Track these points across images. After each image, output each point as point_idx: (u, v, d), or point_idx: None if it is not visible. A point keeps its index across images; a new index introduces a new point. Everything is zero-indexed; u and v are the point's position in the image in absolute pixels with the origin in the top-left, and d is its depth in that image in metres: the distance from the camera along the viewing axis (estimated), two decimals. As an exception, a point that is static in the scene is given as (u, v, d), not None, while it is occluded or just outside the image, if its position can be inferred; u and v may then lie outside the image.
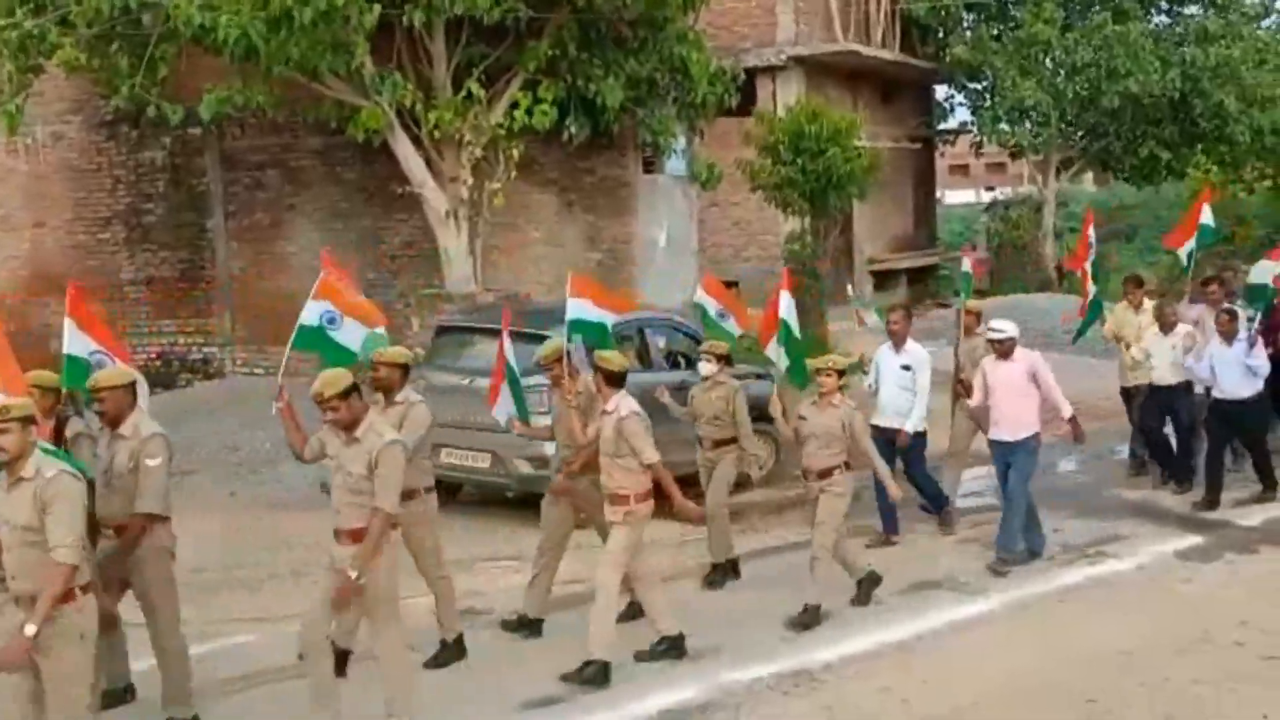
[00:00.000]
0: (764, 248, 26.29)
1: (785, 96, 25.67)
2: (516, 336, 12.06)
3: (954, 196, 57.58)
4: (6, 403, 6.60)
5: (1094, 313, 14.57)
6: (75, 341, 8.68)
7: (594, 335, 10.13)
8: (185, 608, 10.11)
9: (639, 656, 9.03)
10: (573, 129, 16.39)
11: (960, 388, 12.39)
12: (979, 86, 31.00)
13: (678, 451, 10.91)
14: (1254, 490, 13.26)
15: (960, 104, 33.38)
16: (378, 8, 13.85)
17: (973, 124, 32.17)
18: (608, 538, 9.03)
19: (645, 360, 13.83)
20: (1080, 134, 30.43)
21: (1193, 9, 31.30)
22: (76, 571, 6.47)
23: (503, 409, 10.12)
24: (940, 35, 31.53)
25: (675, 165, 18.73)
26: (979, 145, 33.19)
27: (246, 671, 9.00)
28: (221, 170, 18.57)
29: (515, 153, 16.10)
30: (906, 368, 12.03)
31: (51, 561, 6.37)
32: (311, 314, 8.91)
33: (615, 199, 18.05)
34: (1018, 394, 11.20)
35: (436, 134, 15.70)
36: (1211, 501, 12.87)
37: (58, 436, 8.04)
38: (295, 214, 18.32)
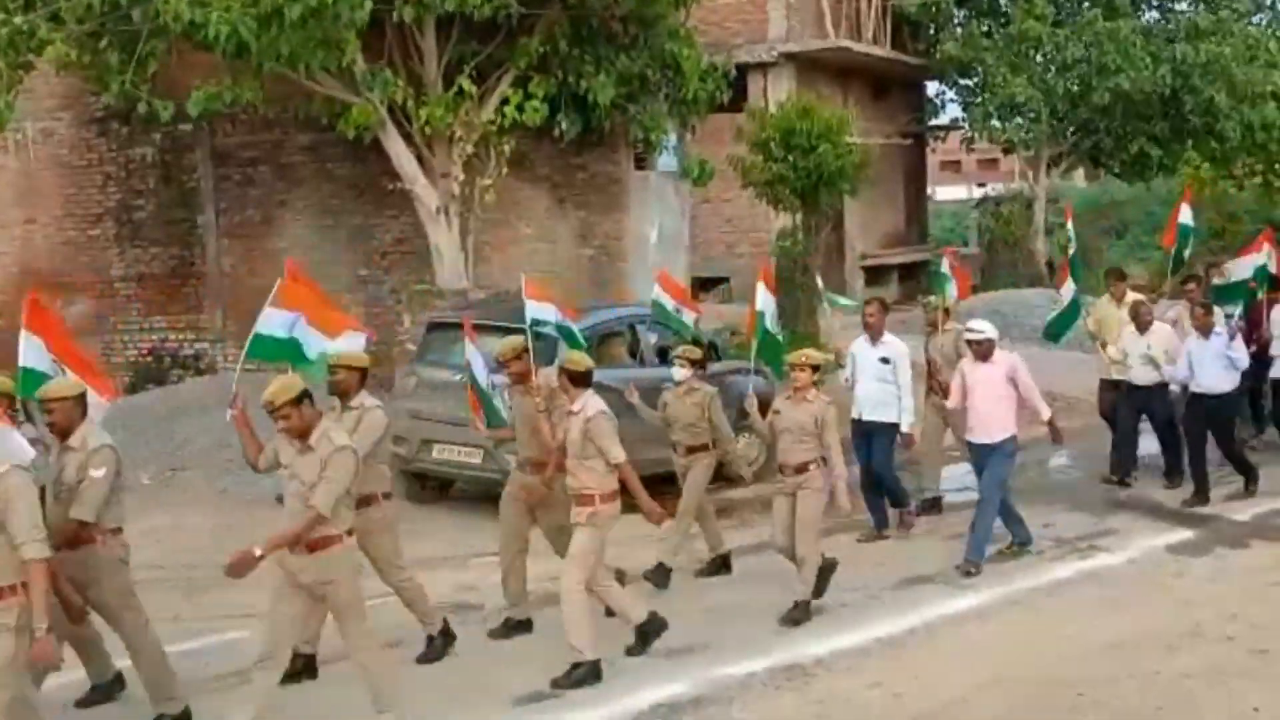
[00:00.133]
0: (755, 244, 26.29)
1: (776, 93, 25.69)
2: (507, 332, 12.07)
3: (945, 193, 57.52)
4: None
5: (1074, 314, 14.35)
6: (31, 353, 8.57)
7: (563, 334, 10.13)
8: (178, 603, 10.16)
9: (630, 651, 9.02)
10: (564, 125, 16.38)
11: (936, 385, 12.32)
12: (970, 83, 30.97)
13: (645, 448, 10.90)
14: (1238, 487, 13.31)
15: (951, 100, 33.37)
16: (369, 4, 13.81)
17: (964, 120, 32.15)
18: (570, 541, 8.95)
19: (637, 356, 13.85)
20: (1071, 130, 30.44)
21: (1183, 5, 31.32)
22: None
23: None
24: (931, 32, 31.50)
25: (667, 162, 18.72)
26: (970, 141, 33.19)
27: (240, 667, 8.96)
28: (212, 167, 18.53)
29: (506, 149, 16.09)
30: (885, 360, 11.97)
31: (15, 558, 6.42)
32: (274, 323, 8.73)
33: (607, 195, 18.04)
34: (995, 396, 11.06)
35: (428, 130, 15.68)
36: (1200, 498, 12.89)
37: None
38: (286, 210, 18.29)
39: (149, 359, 18.75)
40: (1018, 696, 8.43)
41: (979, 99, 30.36)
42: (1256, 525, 12.34)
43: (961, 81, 31.26)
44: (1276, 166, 32.24)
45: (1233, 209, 33.40)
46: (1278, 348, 13.96)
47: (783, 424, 9.98)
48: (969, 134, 32.23)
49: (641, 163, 18.36)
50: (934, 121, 34.77)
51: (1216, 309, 13.35)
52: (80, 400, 7.94)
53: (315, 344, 8.87)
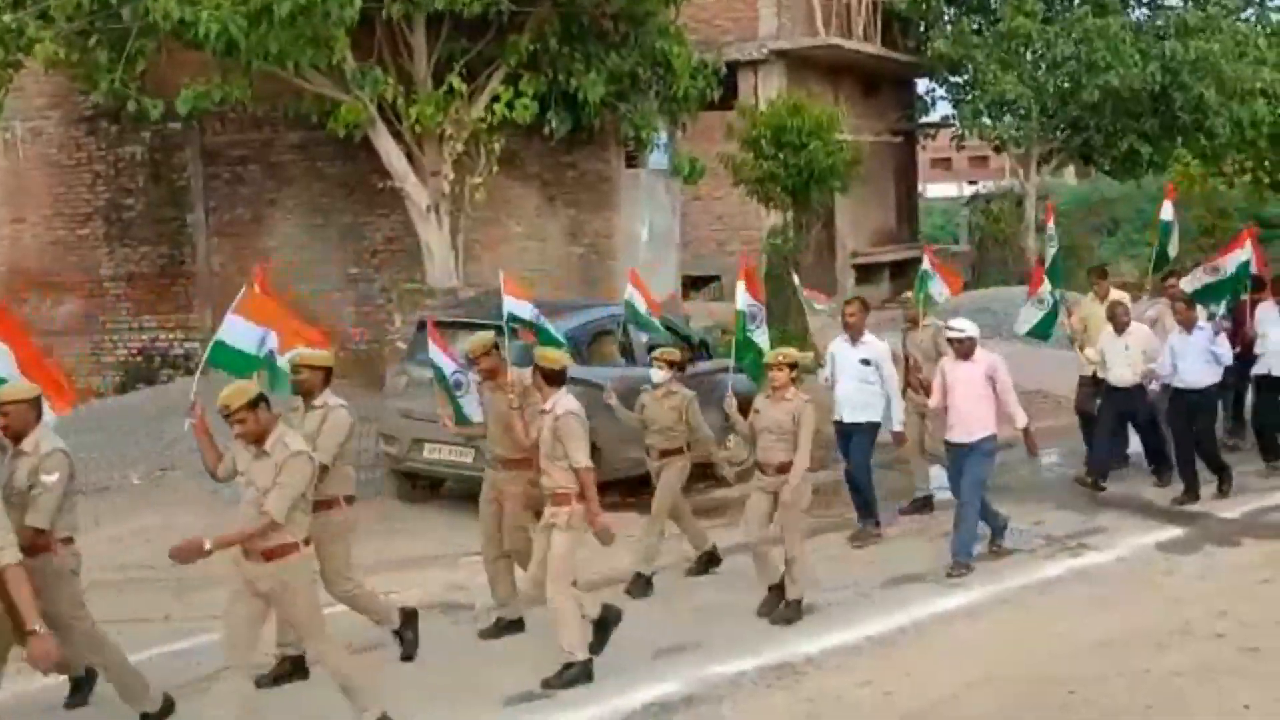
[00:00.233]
0: (746, 242, 26.24)
1: (767, 90, 25.70)
2: (499, 331, 12.05)
3: (936, 190, 57.66)
4: None
5: (1054, 315, 14.10)
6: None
7: (539, 332, 10.11)
8: (169, 603, 10.13)
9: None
10: (554, 123, 16.36)
11: (917, 382, 12.22)
12: (960, 80, 30.99)
13: (627, 448, 10.95)
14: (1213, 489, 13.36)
15: (942, 98, 33.39)
16: (358, 1, 13.79)
17: (954, 118, 32.19)
18: (523, 540, 8.94)
19: (629, 354, 13.83)
20: (1061, 127, 30.47)
21: (1173, 2, 31.36)
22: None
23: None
24: (921, 29, 31.53)
25: (657, 159, 18.72)
26: (960, 139, 33.23)
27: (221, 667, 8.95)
28: (202, 165, 18.50)
29: (497, 147, 16.08)
30: (866, 362, 11.85)
31: None
32: (235, 334, 8.60)
33: (597, 193, 18.03)
34: (976, 395, 10.97)
35: (418, 129, 15.66)
36: (1190, 496, 12.88)
37: None
38: (276, 209, 18.27)
39: (139, 358, 18.72)
40: (1008, 694, 8.43)
41: (969, 96, 30.39)
42: (1246, 523, 12.35)
43: (952, 79, 31.29)
44: (1266, 163, 32.29)
45: (1223, 206, 33.46)
46: (1262, 346, 13.88)
47: (762, 423, 9.92)
48: (959, 131, 32.27)
49: (632, 161, 18.35)
50: (924, 119, 34.80)
51: (1200, 310, 13.34)
52: (35, 404, 7.84)
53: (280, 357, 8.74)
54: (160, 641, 8.93)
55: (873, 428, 12.00)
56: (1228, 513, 12.63)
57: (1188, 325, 12.84)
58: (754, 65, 26.38)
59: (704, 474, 11.33)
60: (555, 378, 8.85)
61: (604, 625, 8.96)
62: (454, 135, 15.82)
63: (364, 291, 17.79)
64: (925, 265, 13.98)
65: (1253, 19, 31.81)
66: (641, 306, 12.13)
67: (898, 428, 12.12)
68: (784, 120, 21.41)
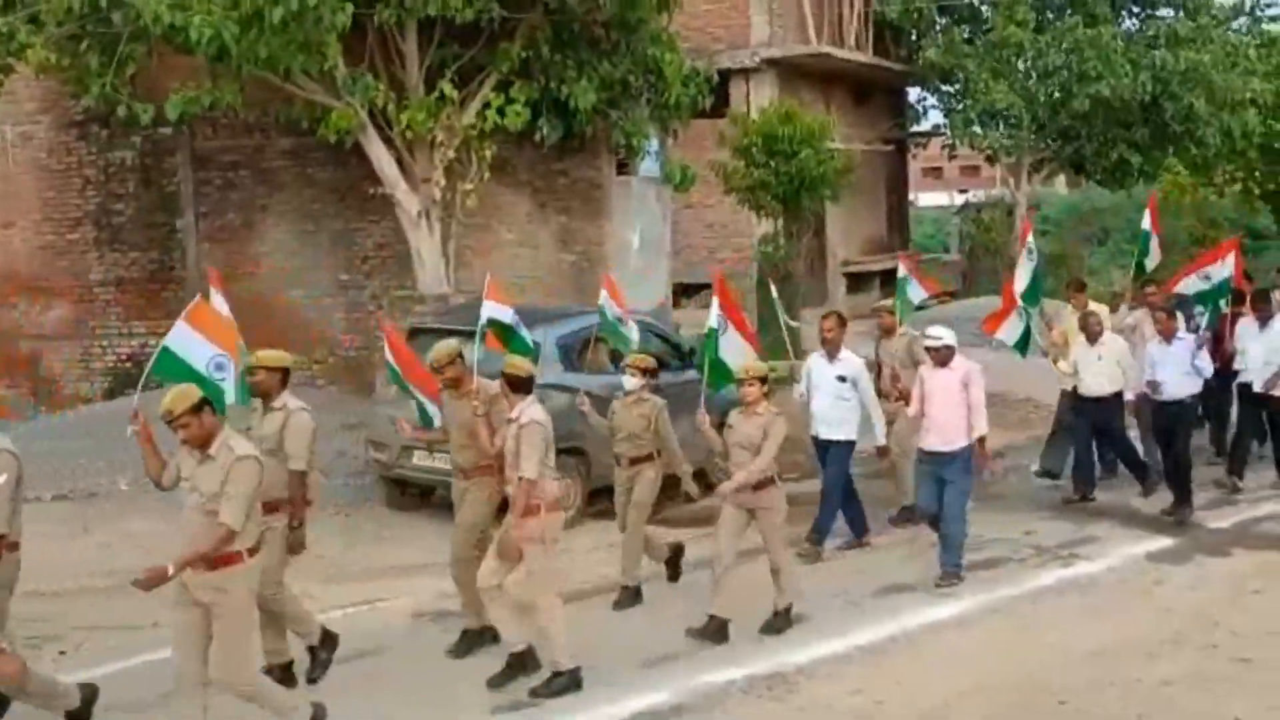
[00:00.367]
0: (738, 250, 26.28)
1: (758, 99, 25.71)
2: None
3: (927, 199, 57.71)
4: None
5: (1027, 335, 13.79)
6: None
7: (512, 339, 9.97)
8: (157, 610, 10.05)
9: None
10: (545, 130, 16.35)
11: (896, 390, 12.01)
12: (952, 89, 31.03)
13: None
14: (1218, 494, 13.35)
15: (933, 107, 33.47)
16: (350, 7, 13.78)
17: (945, 127, 32.23)
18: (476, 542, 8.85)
19: (618, 361, 13.80)
20: (1052, 137, 30.51)
21: (1163, 12, 31.43)
22: None
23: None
24: (913, 38, 31.60)
25: (649, 167, 18.72)
26: (952, 148, 33.27)
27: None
28: (193, 170, 18.45)
29: (488, 154, 16.06)
30: (842, 378, 11.72)
31: None
32: (184, 345, 8.42)
33: (588, 201, 18.03)
34: (954, 403, 10.79)
35: (409, 135, 15.65)
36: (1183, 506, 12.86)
37: None
38: (267, 215, 18.23)
39: (128, 364, 18.64)
40: (999, 704, 8.42)
41: (960, 105, 30.41)
42: (1237, 533, 12.36)
43: (943, 88, 31.34)
44: (1256, 174, 32.38)
45: (1213, 216, 33.57)
46: (1242, 361, 13.80)
47: (734, 439, 9.77)
48: (950, 140, 32.30)
49: (623, 168, 18.35)
50: (916, 128, 34.88)
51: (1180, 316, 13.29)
52: None
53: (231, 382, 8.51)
54: (149, 649, 8.87)
55: (849, 445, 11.86)
56: (1219, 523, 12.64)
57: (1168, 335, 12.78)
58: (745, 73, 26.39)
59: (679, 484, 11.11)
60: (522, 385, 8.75)
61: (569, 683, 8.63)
62: (445, 142, 15.80)
63: (354, 298, 17.75)
64: (902, 271, 13.98)
65: (1244, 29, 31.92)
66: (612, 314, 11.96)
67: (881, 442, 12.04)
68: (775, 128, 21.41)
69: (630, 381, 10.65)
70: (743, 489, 9.63)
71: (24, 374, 18.85)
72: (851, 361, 11.88)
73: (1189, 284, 14.24)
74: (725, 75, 23.85)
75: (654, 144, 18.09)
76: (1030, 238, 14.61)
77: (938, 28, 31.24)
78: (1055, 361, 13.81)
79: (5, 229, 19.33)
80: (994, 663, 9.11)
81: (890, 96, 32.85)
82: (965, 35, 30.52)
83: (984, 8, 31.40)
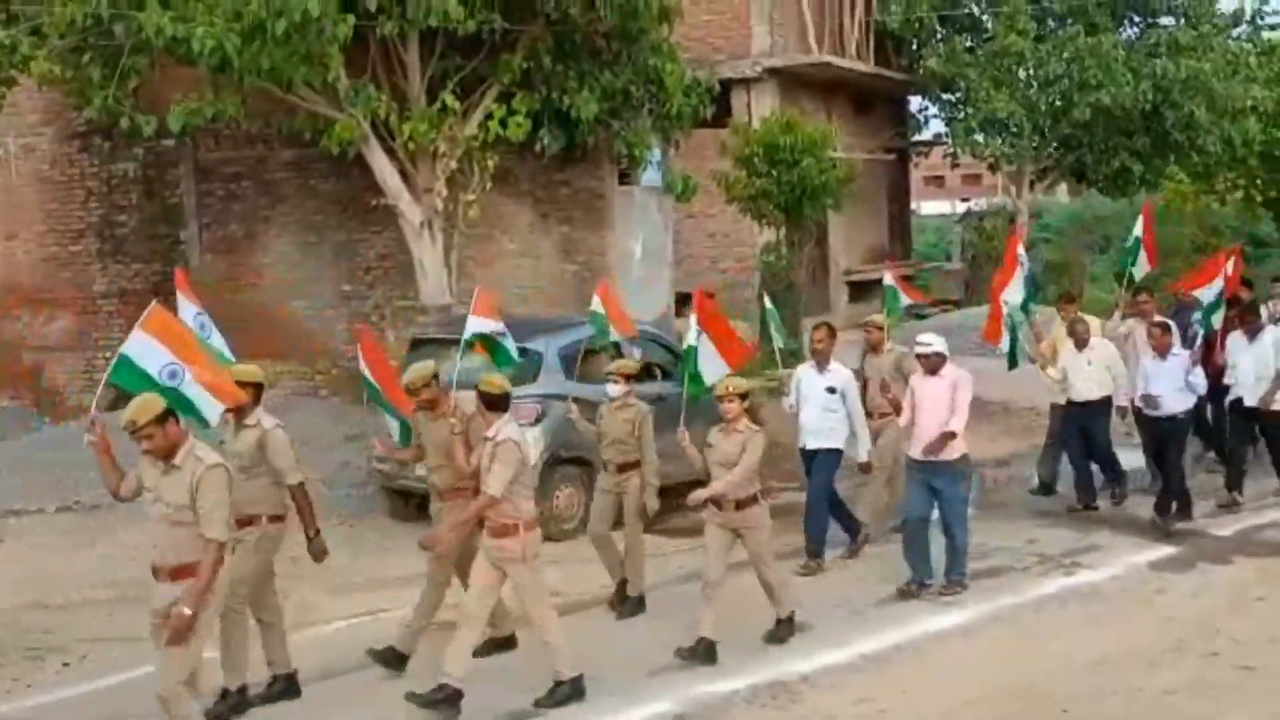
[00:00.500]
0: (740, 259, 26.31)
1: (760, 108, 25.74)
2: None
3: (929, 208, 57.77)
4: None
5: (1014, 346, 13.66)
6: None
7: (495, 352, 9.94)
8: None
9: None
10: (546, 141, 16.37)
11: (887, 399, 11.78)
12: (953, 98, 31.06)
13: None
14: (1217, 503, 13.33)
15: (934, 116, 33.47)
16: (351, 19, 13.81)
17: (947, 136, 32.25)
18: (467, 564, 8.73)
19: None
20: (1053, 145, 30.53)
21: (1164, 20, 31.46)
22: None
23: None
24: (914, 47, 31.62)
25: (650, 177, 18.74)
26: (954, 157, 33.29)
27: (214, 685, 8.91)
28: (195, 182, 18.48)
29: (490, 164, 16.07)
30: (831, 390, 11.67)
31: None
32: (141, 352, 8.18)
33: (590, 211, 18.04)
34: (944, 412, 10.66)
35: (411, 146, 15.66)
36: (1183, 513, 12.83)
37: None
38: (270, 226, 18.25)
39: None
40: (1002, 713, 8.43)
41: (962, 114, 30.43)
42: (1239, 540, 12.36)
43: (944, 97, 31.36)
44: (1258, 181, 32.37)
45: (1215, 223, 33.56)
46: (1232, 376, 13.61)
47: (714, 457, 9.59)
48: (952, 149, 32.32)
49: (625, 178, 18.37)
50: (917, 137, 34.87)
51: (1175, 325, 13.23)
52: None
53: (208, 407, 8.19)
54: (151, 660, 8.85)
55: (835, 455, 11.81)
56: (1221, 530, 12.64)
57: (1162, 351, 12.67)
58: (747, 83, 26.41)
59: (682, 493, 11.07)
60: (498, 403, 8.65)
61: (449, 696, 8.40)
62: (447, 153, 15.82)
63: (357, 308, 17.75)
64: (888, 280, 13.98)
65: (1244, 38, 31.91)
66: (604, 319, 11.88)
67: (864, 457, 11.93)
68: (777, 138, 21.45)
69: (614, 388, 10.65)
70: (719, 500, 9.49)
71: (27, 385, 18.87)
72: (840, 373, 11.85)
73: (1205, 292, 14.12)
74: (726, 85, 23.87)
75: (656, 154, 18.10)
76: (1020, 248, 14.57)
77: (939, 37, 31.25)
78: (1044, 369, 13.75)
79: (8, 241, 19.36)
80: (997, 671, 9.11)
81: (892, 105, 32.87)
82: (966, 44, 30.53)
83: (985, 17, 31.42)
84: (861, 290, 29.85)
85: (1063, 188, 44.41)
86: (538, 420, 12.83)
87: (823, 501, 11.86)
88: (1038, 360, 13.92)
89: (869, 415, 12.15)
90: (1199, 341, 13.38)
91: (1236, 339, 13.57)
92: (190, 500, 7.13)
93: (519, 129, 15.66)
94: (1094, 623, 10.11)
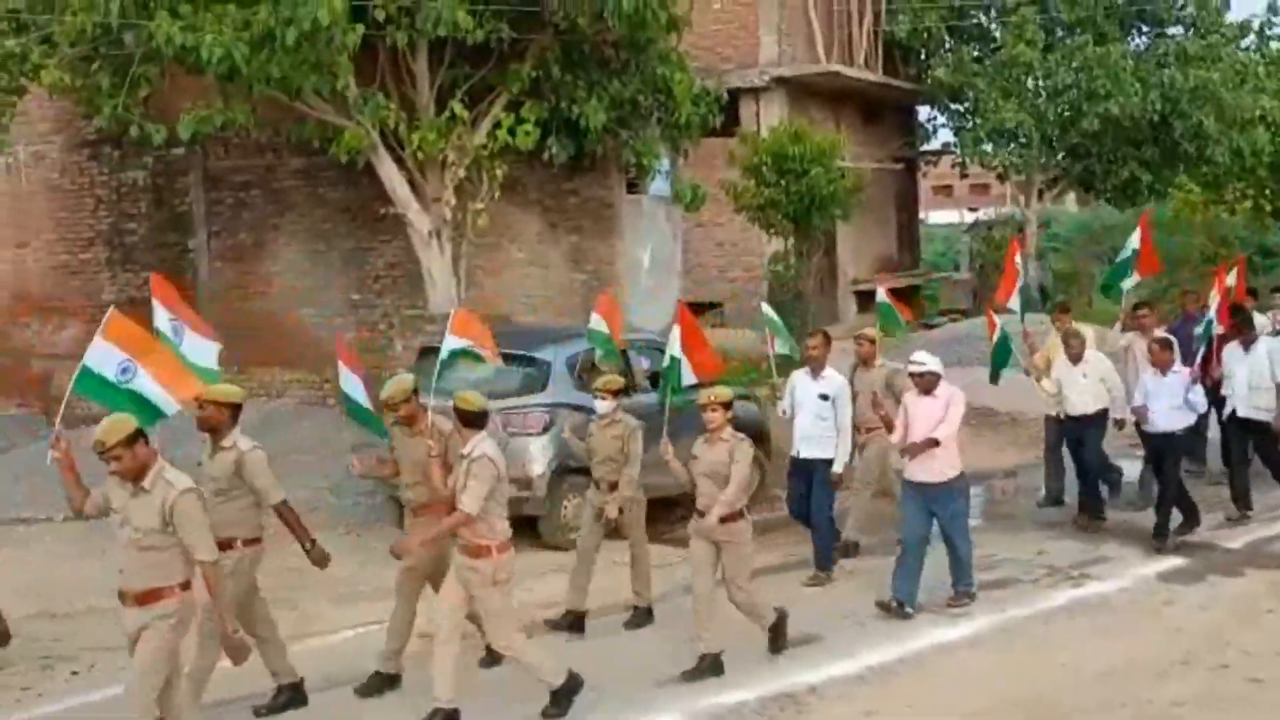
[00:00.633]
0: (748, 269, 26.36)
1: (768, 117, 25.79)
2: (505, 358, 11.96)
3: (937, 217, 57.76)
4: None
5: (1003, 357, 13.64)
6: None
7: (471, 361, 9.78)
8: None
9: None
10: (555, 150, 16.38)
11: (879, 415, 11.54)
12: (961, 108, 31.10)
13: (657, 473, 10.69)
14: (1226, 515, 13.28)
15: (943, 125, 33.50)
16: (361, 28, 13.84)
17: (955, 145, 32.28)
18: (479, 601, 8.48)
19: (628, 382, 13.80)
20: (1062, 155, 30.55)
21: (1172, 30, 31.47)
22: None
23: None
24: (922, 57, 31.68)
25: (659, 186, 18.76)
26: (962, 166, 33.31)
27: (219, 698, 8.91)
28: (204, 190, 18.50)
29: (499, 173, 16.08)
30: (825, 397, 11.58)
31: None
32: (100, 359, 8.15)
33: (599, 220, 18.06)
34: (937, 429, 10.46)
35: (420, 155, 15.68)
36: (1189, 525, 12.78)
37: None
38: (279, 234, 18.26)
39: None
40: (1010, 725, 8.41)
41: (970, 124, 30.48)
42: (1249, 553, 12.32)
43: (953, 106, 31.40)
44: (1267, 191, 32.35)
45: (1224, 233, 33.52)
46: (1229, 387, 13.55)
47: (699, 468, 9.42)
48: (960, 159, 32.35)
49: (633, 187, 18.39)
50: (925, 146, 34.90)
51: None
52: None
53: (162, 401, 8.21)
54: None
55: (825, 461, 11.71)
56: (1231, 543, 12.60)
57: (1162, 367, 12.55)
58: (755, 92, 26.47)
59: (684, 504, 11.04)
60: (474, 420, 8.50)
61: (568, 693, 8.54)
62: (456, 161, 15.84)
63: (365, 317, 17.76)
64: (881, 296, 14.01)
65: (1252, 48, 31.92)
66: (604, 333, 11.77)
67: (839, 468, 11.66)
68: (785, 147, 21.47)
69: (602, 405, 10.50)
70: (703, 510, 9.36)
71: (36, 393, 18.87)
72: (834, 380, 11.75)
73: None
74: (735, 94, 23.93)
75: (664, 163, 18.12)
76: (1018, 257, 14.56)
77: (947, 47, 31.31)
78: (1038, 381, 13.68)
79: (18, 249, 19.40)
80: (1005, 683, 9.09)
81: (900, 115, 32.90)
82: (974, 54, 30.61)
83: (993, 27, 31.48)
84: (870, 300, 29.68)
85: (1071, 197, 44.38)
86: (546, 429, 12.83)
87: (827, 517, 11.82)
88: (1031, 373, 13.83)
89: (856, 429, 12.04)
90: (1199, 358, 13.15)
91: (1232, 349, 13.52)
92: (160, 524, 7.00)
93: (527, 138, 15.67)
94: (1102, 634, 10.09)
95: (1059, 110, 28.83)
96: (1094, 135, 28.76)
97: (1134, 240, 15.02)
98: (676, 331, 10.64)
